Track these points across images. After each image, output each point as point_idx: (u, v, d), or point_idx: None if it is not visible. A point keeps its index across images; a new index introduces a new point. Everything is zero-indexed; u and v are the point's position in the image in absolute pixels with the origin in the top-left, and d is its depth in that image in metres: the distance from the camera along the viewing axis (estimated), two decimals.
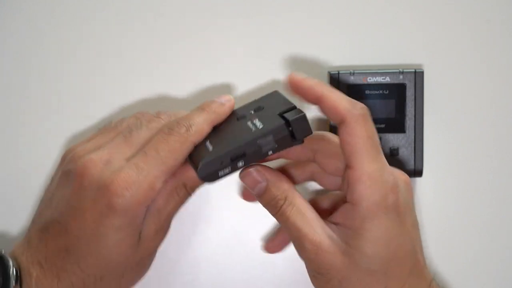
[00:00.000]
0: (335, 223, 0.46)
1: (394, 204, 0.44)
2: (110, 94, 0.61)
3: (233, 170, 0.46)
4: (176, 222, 0.61)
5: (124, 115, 0.55)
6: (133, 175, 0.46)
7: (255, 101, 0.50)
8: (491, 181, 0.60)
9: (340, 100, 0.45)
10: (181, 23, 0.61)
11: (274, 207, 0.47)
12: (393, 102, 0.57)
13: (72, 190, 0.47)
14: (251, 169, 0.47)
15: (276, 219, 0.47)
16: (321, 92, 0.46)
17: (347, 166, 0.45)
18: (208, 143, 0.47)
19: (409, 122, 0.57)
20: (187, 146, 0.47)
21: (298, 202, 0.46)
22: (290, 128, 0.46)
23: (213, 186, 0.59)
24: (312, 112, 0.60)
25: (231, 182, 0.60)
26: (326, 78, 0.60)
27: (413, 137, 0.57)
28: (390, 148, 0.57)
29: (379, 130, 0.57)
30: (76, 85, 0.61)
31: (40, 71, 0.61)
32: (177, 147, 0.47)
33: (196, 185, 0.49)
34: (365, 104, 0.57)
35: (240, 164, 0.46)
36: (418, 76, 0.57)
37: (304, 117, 0.46)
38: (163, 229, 0.50)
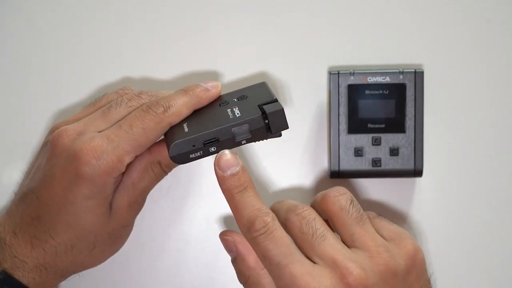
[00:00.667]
0: None
1: None
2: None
3: (204, 154, 0.47)
4: (176, 223, 0.61)
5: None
6: (103, 145, 0.46)
7: (241, 90, 0.51)
8: (491, 181, 0.60)
9: (239, 223, 0.45)
10: (181, 23, 0.61)
11: (239, 279, 0.47)
12: (393, 102, 0.57)
13: (46, 160, 0.48)
14: (227, 237, 0.47)
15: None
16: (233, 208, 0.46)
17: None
18: (185, 125, 0.48)
19: (409, 122, 0.57)
20: (162, 126, 0.47)
21: (264, 282, 0.45)
22: (267, 121, 0.46)
23: (214, 187, 0.59)
24: (309, 120, 0.60)
25: None
26: (326, 78, 0.60)
27: (413, 137, 0.57)
28: (390, 148, 0.57)
29: (379, 130, 0.57)
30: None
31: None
32: (151, 125, 0.47)
33: (171, 164, 0.50)
34: (365, 104, 0.58)
35: (212, 149, 0.46)
36: (418, 76, 0.57)
37: (281, 111, 0.46)
38: (136, 203, 0.50)
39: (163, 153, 0.49)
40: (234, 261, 0.47)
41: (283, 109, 0.46)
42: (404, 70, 0.57)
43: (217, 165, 0.45)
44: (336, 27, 0.60)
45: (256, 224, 0.43)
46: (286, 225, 0.45)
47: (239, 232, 0.46)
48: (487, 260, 0.60)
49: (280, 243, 0.43)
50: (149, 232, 0.60)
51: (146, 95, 0.50)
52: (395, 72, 0.57)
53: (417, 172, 0.57)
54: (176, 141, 0.46)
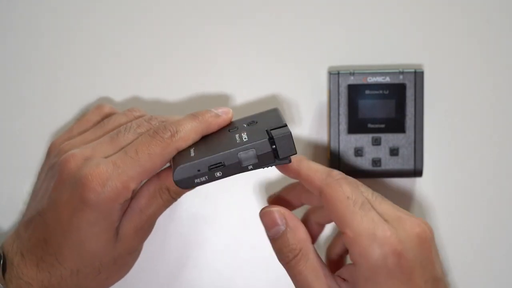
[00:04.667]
0: (344, 279, 0.45)
1: (396, 265, 0.43)
2: (105, 93, 0.61)
3: (210, 179, 0.46)
4: (176, 223, 0.61)
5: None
6: (108, 172, 0.46)
7: (252, 115, 0.50)
8: (491, 181, 0.60)
9: (314, 173, 0.46)
10: (180, 23, 0.61)
11: (285, 256, 0.46)
12: (393, 102, 0.57)
13: (54, 184, 0.48)
14: (273, 209, 0.46)
15: (285, 268, 0.46)
16: (298, 169, 0.47)
17: (340, 232, 0.45)
18: (192, 150, 0.47)
19: (409, 122, 0.57)
20: (168, 151, 0.47)
21: (312, 257, 0.45)
22: (274, 146, 0.45)
23: (214, 187, 0.59)
24: (309, 120, 0.60)
25: (232, 184, 0.61)
26: (326, 78, 0.60)
27: (413, 137, 0.57)
28: (390, 148, 0.57)
29: (379, 130, 0.57)
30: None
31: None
32: (157, 151, 0.46)
33: (179, 191, 0.49)
34: (365, 104, 0.58)
35: (218, 174, 0.46)
36: (418, 76, 0.57)
37: (289, 136, 0.45)
38: (143, 229, 0.50)
39: (171, 179, 0.48)
40: (282, 236, 0.45)
41: (291, 133, 0.45)
42: (404, 70, 0.57)
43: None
44: (336, 27, 0.60)
45: None
46: (325, 190, 0.45)
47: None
48: (488, 260, 0.60)
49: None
50: None
51: (156, 120, 0.49)
52: (395, 72, 0.57)
53: (417, 172, 0.57)
54: (181, 165, 0.45)
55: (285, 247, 0.46)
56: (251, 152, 0.45)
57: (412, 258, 0.43)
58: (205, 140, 0.48)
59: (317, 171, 0.46)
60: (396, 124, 0.57)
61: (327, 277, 0.45)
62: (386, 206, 0.45)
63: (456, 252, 0.60)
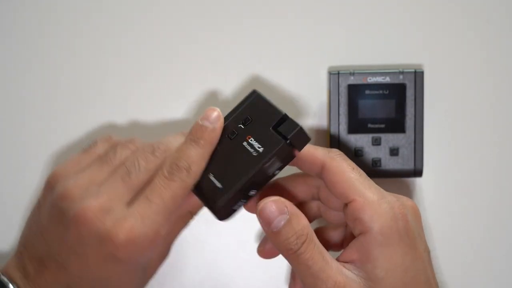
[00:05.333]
0: (349, 261, 0.45)
1: (405, 228, 0.44)
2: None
3: (247, 200, 0.47)
4: None
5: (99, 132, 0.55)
6: (138, 226, 0.45)
7: (239, 111, 0.48)
8: (491, 181, 0.60)
9: (315, 151, 0.46)
10: (179, 23, 0.61)
11: (293, 244, 0.44)
12: (393, 102, 0.57)
13: (71, 236, 0.45)
14: (274, 198, 0.45)
15: (293, 259, 0.45)
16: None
17: (348, 203, 0.45)
18: (212, 178, 0.46)
19: (409, 122, 0.57)
20: (188, 189, 0.46)
21: (318, 242, 0.45)
22: (289, 141, 0.45)
23: None
24: (309, 120, 0.60)
25: None
26: (326, 78, 0.60)
27: (413, 137, 0.57)
28: (390, 148, 0.57)
29: (379, 130, 0.57)
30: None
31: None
32: (179, 193, 0.46)
33: (200, 209, 0.49)
34: (365, 104, 0.58)
35: (252, 192, 0.46)
36: (418, 76, 0.57)
37: (301, 129, 0.45)
38: (164, 255, 0.50)
39: (191, 203, 0.48)
40: (286, 225, 0.44)
41: (301, 126, 0.45)
42: (404, 70, 0.57)
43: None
44: (336, 27, 0.60)
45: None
46: (329, 163, 0.46)
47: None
48: (488, 260, 0.60)
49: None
50: None
51: (160, 152, 0.48)
52: (395, 72, 0.57)
53: (417, 172, 0.57)
54: (220, 205, 0.45)
55: (292, 235, 0.44)
56: (274, 160, 0.45)
57: (413, 225, 0.45)
58: (216, 158, 0.47)
59: (317, 149, 0.47)
60: (396, 124, 0.57)
61: (333, 260, 0.45)
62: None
63: (456, 252, 0.60)
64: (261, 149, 0.45)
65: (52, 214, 0.47)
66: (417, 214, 0.46)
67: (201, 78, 0.60)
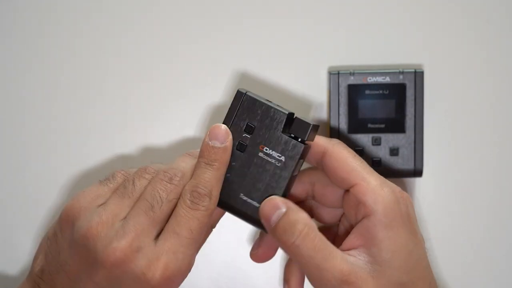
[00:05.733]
0: (353, 248, 0.45)
1: (406, 213, 0.45)
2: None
3: None
4: None
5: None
6: (172, 263, 0.45)
7: (234, 118, 0.48)
8: (491, 181, 0.60)
9: (316, 138, 0.48)
10: (179, 23, 0.61)
11: (291, 235, 0.44)
12: (393, 102, 0.57)
13: (101, 277, 0.45)
14: (274, 196, 0.46)
15: (295, 252, 0.45)
16: None
17: (351, 187, 0.46)
18: (244, 197, 0.47)
19: (409, 122, 0.57)
20: (212, 213, 0.47)
21: (318, 232, 0.45)
22: (306, 142, 0.46)
23: None
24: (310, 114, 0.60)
25: None
26: (326, 78, 0.60)
27: (413, 137, 0.57)
28: (390, 148, 0.57)
29: (379, 130, 0.57)
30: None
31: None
32: (205, 221, 0.46)
33: (218, 221, 0.50)
34: (365, 104, 0.58)
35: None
36: (418, 76, 0.57)
37: (313, 126, 0.46)
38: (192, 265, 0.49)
39: (213, 218, 0.48)
40: (284, 216, 0.45)
41: (312, 124, 0.46)
42: (404, 70, 0.57)
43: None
44: (336, 27, 0.60)
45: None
46: (330, 150, 0.47)
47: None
48: (488, 260, 0.60)
49: None
50: None
51: (177, 180, 0.47)
52: (395, 72, 0.57)
53: (417, 172, 0.57)
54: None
55: (290, 225, 0.45)
56: (298, 163, 0.47)
57: (411, 210, 0.46)
58: (238, 176, 0.47)
59: (318, 137, 0.48)
60: (396, 124, 0.57)
61: (336, 248, 0.45)
62: None
63: (456, 252, 0.60)
64: (282, 158, 0.46)
65: (77, 253, 0.46)
66: (410, 203, 0.47)
67: (201, 78, 0.60)
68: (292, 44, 0.60)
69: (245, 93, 0.47)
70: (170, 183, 0.47)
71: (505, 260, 0.60)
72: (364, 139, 0.57)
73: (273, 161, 0.46)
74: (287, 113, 0.46)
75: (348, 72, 0.57)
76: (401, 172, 0.57)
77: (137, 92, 0.61)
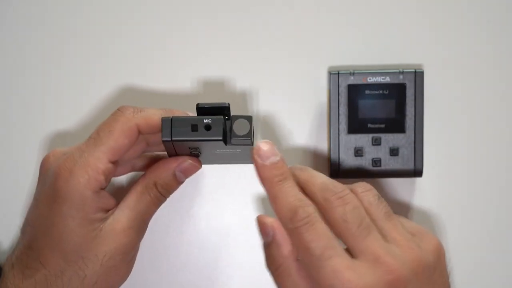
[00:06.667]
0: None
1: None
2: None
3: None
4: (177, 223, 0.61)
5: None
6: (75, 158, 0.46)
7: (175, 152, 0.48)
8: (491, 181, 0.60)
9: (280, 212, 0.44)
10: (179, 24, 0.61)
11: (268, 266, 0.45)
12: (393, 102, 0.57)
13: (37, 185, 0.48)
14: (266, 220, 0.46)
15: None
16: (274, 192, 0.45)
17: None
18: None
19: (409, 122, 0.57)
20: (128, 126, 0.46)
21: (294, 273, 0.44)
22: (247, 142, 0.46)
23: (215, 186, 0.59)
24: (309, 120, 0.60)
25: (232, 184, 0.61)
26: (326, 78, 0.60)
27: (413, 137, 0.57)
28: (390, 148, 0.57)
29: (379, 130, 0.57)
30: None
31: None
32: (117, 126, 0.46)
33: (167, 185, 0.49)
34: (365, 104, 0.58)
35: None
36: (418, 76, 0.57)
37: (249, 118, 0.45)
38: (132, 229, 0.48)
39: (157, 173, 0.48)
40: (268, 246, 0.45)
41: (247, 121, 0.45)
42: (404, 70, 0.57)
43: (256, 154, 0.44)
44: (336, 27, 0.60)
45: (299, 214, 0.43)
46: (324, 206, 0.44)
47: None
48: (488, 260, 0.60)
49: (322, 235, 0.42)
50: (149, 232, 0.60)
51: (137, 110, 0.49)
52: (395, 72, 0.57)
53: (417, 172, 0.57)
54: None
55: (269, 258, 0.45)
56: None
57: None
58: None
59: (282, 208, 0.44)
60: (396, 124, 0.57)
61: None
62: None
63: (456, 252, 0.60)
64: (238, 150, 0.46)
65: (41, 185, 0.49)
66: (440, 256, 0.45)
67: (201, 78, 0.60)
68: (292, 44, 0.60)
69: (171, 140, 0.45)
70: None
71: (505, 260, 0.60)
72: (364, 139, 0.57)
73: (232, 151, 0.46)
74: (221, 138, 0.45)
75: (348, 72, 0.57)
76: (401, 172, 0.57)
77: (137, 91, 0.61)
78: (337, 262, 0.41)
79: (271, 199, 0.45)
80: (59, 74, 0.61)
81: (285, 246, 0.44)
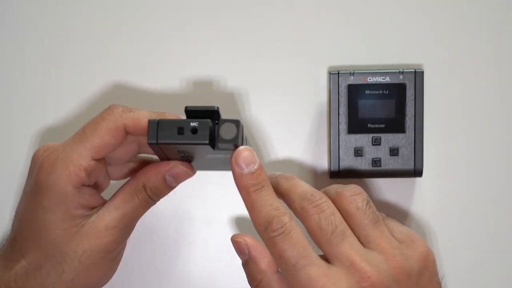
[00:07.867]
0: None
1: None
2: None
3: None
4: (177, 224, 0.61)
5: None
6: (59, 153, 0.46)
7: (164, 156, 0.47)
8: (490, 181, 0.60)
9: (256, 221, 0.44)
10: (177, 23, 0.61)
11: (249, 283, 0.45)
12: (393, 102, 0.57)
13: (27, 178, 0.48)
14: (239, 239, 0.46)
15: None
16: (251, 201, 0.45)
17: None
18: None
19: (409, 122, 0.57)
20: (115, 125, 0.46)
21: (275, 286, 0.45)
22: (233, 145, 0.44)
23: (214, 187, 0.59)
24: (309, 120, 0.60)
25: (232, 184, 0.61)
26: (326, 78, 0.60)
27: (413, 137, 0.57)
28: (390, 148, 0.57)
29: (379, 130, 0.57)
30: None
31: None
32: (104, 125, 0.46)
33: (156, 189, 0.48)
34: (365, 104, 0.58)
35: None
36: (418, 76, 0.57)
37: (237, 124, 0.44)
38: (116, 228, 0.47)
39: (146, 176, 0.48)
40: (246, 264, 0.46)
41: (235, 126, 0.44)
42: (404, 70, 0.57)
43: (234, 162, 0.44)
44: (336, 27, 0.60)
45: (273, 224, 0.43)
46: (301, 214, 0.44)
47: (251, 235, 0.46)
48: (488, 260, 0.60)
49: (297, 243, 0.42)
50: (149, 232, 0.60)
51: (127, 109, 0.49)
52: (395, 72, 0.57)
53: (417, 172, 0.57)
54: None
55: (249, 275, 0.46)
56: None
57: None
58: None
59: (258, 218, 0.44)
60: (396, 124, 0.57)
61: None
62: None
63: (455, 252, 0.60)
64: (227, 155, 0.45)
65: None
66: (427, 262, 0.45)
67: (201, 78, 0.60)
68: (292, 44, 0.60)
69: (157, 143, 0.44)
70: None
71: (505, 260, 0.60)
72: (364, 139, 0.57)
73: (220, 156, 0.46)
74: (207, 142, 0.43)
75: (348, 72, 0.57)
76: (401, 172, 0.57)
77: (136, 91, 0.61)
78: (313, 271, 0.42)
79: (248, 208, 0.44)
80: (59, 74, 0.61)
81: (262, 261, 0.45)
